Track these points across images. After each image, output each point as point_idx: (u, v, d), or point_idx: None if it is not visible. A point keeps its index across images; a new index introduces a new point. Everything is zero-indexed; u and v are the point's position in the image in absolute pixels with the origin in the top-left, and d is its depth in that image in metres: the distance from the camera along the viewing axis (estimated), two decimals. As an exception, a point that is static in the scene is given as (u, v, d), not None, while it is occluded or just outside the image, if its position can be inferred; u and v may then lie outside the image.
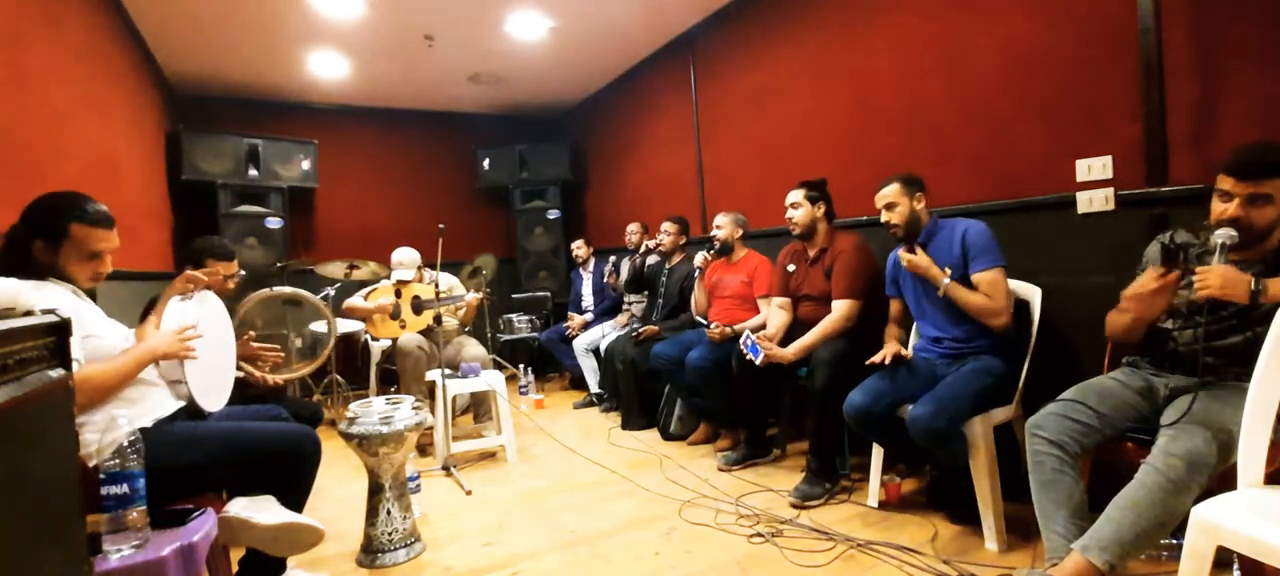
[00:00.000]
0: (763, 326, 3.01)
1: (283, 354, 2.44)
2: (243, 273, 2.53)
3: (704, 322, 3.32)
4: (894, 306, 2.52)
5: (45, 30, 2.55)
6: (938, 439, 1.98)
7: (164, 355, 1.66)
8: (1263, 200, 1.52)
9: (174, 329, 1.71)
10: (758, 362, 2.60)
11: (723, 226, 3.39)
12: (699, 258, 3.47)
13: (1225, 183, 1.57)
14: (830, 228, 2.84)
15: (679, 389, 3.39)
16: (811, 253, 2.84)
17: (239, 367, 2.21)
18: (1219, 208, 1.58)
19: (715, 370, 3.01)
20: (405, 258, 3.77)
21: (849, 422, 2.22)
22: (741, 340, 2.70)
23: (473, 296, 3.56)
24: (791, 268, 2.94)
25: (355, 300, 3.70)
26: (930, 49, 2.85)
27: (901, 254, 2.33)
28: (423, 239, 4.11)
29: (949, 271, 2.20)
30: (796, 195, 2.84)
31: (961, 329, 2.24)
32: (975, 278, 2.18)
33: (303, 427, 1.83)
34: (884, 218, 2.36)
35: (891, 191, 2.34)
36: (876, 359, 2.27)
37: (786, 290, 2.96)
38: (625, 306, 4.52)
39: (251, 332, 2.35)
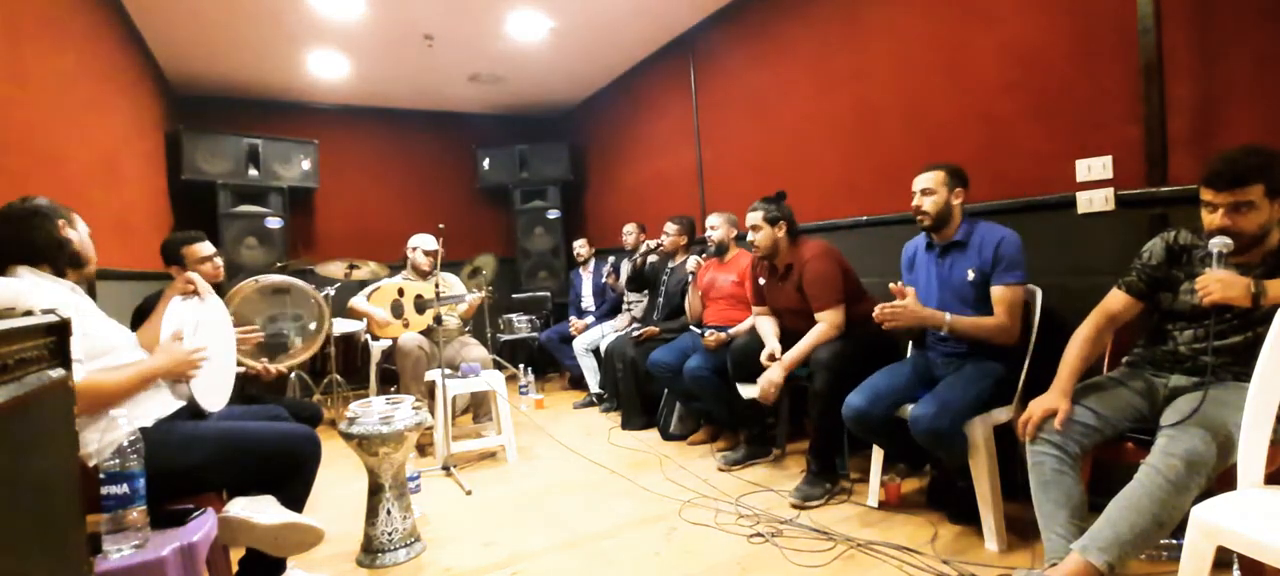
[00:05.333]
0: (752, 328, 3.00)
1: (262, 335, 2.41)
2: (217, 251, 2.41)
3: (699, 330, 3.29)
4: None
5: (45, 30, 2.55)
6: (940, 439, 1.98)
7: (171, 373, 1.67)
8: (1246, 206, 1.51)
9: (172, 337, 1.71)
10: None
11: (718, 227, 3.38)
12: (691, 262, 3.45)
13: (1206, 194, 1.56)
14: (791, 244, 2.77)
15: (677, 395, 3.39)
16: (779, 267, 2.80)
17: (238, 362, 2.20)
18: (1207, 218, 1.58)
19: (713, 377, 3.00)
20: (422, 242, 3.78)
21: (848, 425, 2.21)
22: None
23: (475, 296, 3.55)
24: (762, 281, 2.91)
25: (358, 300, 3.64)
26: (930, 49, 2.84)
27: (887, 309, 2.10)
28: (423, 239, 4.09)
29: (971, 273, 2.16)
30: (755, 217, 2.75)
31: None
32: (996, 289, 2.12)
33: (303, 428, 1.83)
34: (916, 202, 2.24)
35: (933, 178, 2.21)
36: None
37: (763, 300, 2.94)
38: (625, 307, 4.52)
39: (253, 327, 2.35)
